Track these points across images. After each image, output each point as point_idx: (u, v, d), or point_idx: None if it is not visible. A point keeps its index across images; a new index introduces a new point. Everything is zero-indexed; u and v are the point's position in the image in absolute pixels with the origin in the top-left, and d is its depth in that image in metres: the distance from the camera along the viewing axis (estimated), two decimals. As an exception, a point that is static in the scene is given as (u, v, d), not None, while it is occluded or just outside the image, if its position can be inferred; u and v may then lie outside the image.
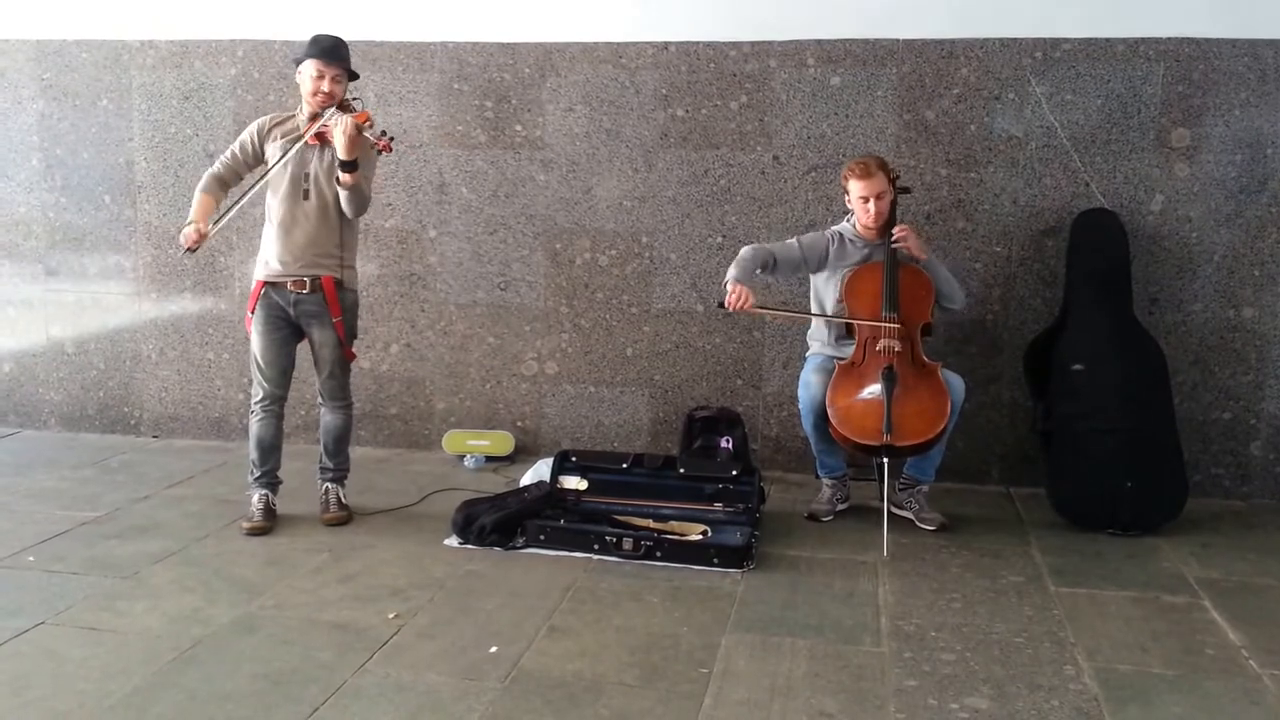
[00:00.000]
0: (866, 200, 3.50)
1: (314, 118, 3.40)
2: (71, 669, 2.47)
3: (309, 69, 3.38)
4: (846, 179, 3.56)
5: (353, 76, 3.47)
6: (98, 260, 4.72)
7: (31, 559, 3.19)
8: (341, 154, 3.28)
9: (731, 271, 3.51)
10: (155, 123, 4.59)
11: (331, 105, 3.37)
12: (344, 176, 3.32)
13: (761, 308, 3.68)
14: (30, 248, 4.77)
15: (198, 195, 3.47)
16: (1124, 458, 3.55)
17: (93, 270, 4.73)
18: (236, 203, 3.43)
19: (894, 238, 3.50)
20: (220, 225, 3.44)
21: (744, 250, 3.58)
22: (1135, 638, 2.73)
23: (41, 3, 4.62)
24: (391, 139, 3.37)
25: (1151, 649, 2.66)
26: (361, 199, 3.44)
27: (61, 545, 3.31)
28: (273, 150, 3.45)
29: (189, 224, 3.38)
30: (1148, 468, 3.54)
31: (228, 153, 3.52)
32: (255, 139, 3.48)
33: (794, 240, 3.64)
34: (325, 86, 3.37)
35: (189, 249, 3.38)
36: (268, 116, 3.55)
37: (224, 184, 3.51)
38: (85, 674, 2.44)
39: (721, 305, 3.47)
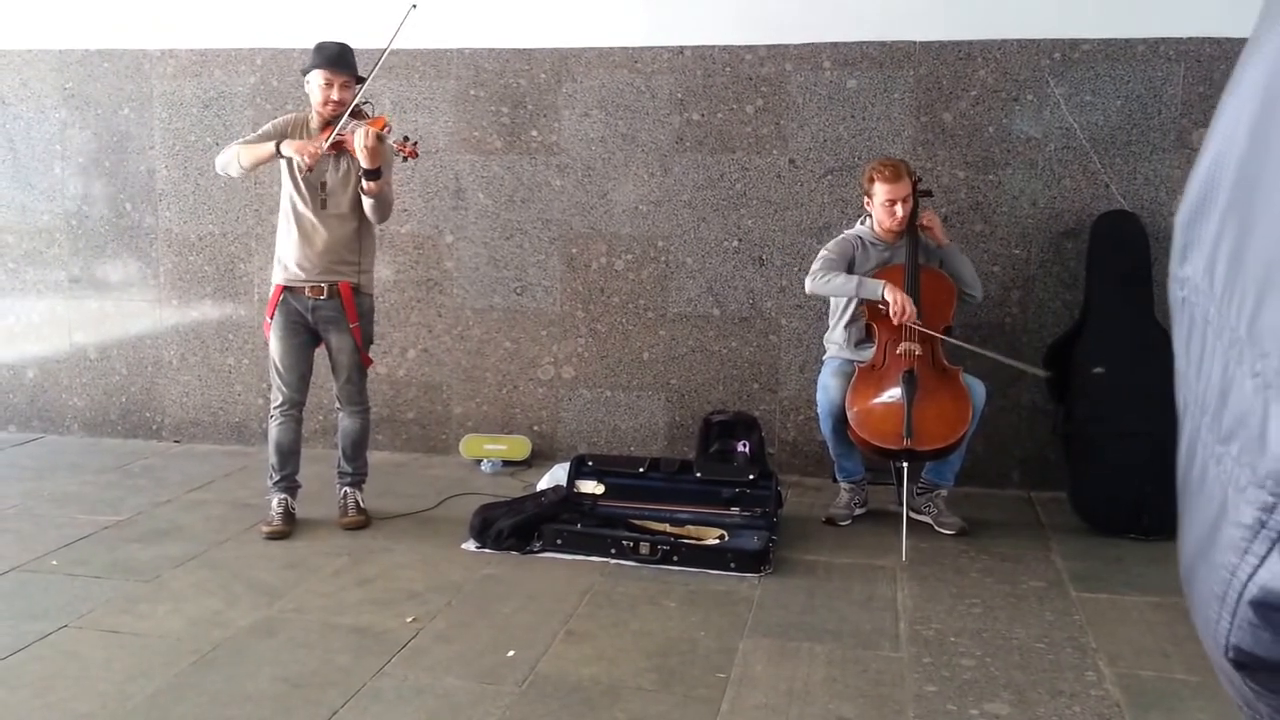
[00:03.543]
0: (893, 203, 3.48)
1: (326, 126, 3.41)
2: (94, 671, 2.49)
3: (317, 78, 3.39)
4: (872, 180, 3.53)
5: (360, 81, 3.47)
6: (120, 267, 4.77)
7: (55, 563, 3.23)
8: (364, 164, 3.28)
9: (866, 283, 3.41)
10: (176, 131, 4.63)
11: (343, 112, 3.38)
12: (368, 185, 3.33)
13: (919, 324, 3.40)
14: (53, 255, 4.82)
15: (244, 146, 3.37)
16: (1146, 461, 3.51)
17: (115, 277, 4.78)
18: (333, 133, 3.30)
19: (920, 221, 3.52)
20: (329, 144, 3.30)
21: (824, 276, 3.47)
22: (1157, 643, 2.69)
23: (63, 13, 4.68)
24: (415, 144, 3.38)
25: (1174, 654, 2.63)
26: (386, 204, 3.46)
27: (84, 549, 3.34)
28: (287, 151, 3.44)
29: (294, 143, 3.26)
30: (1170, 472, 3.45)
31: (255, 134, 3.46)
32: (281, 132, 3.44)
33: (827, 253, 3.57)
34: (335, 95, 3.38)
35: (309, 165, 3.29)
36: (289, 116, 3.55)
37: None
38: (107, 676, 2.46)
39: (886, 315, 3.38)
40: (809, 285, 3.54)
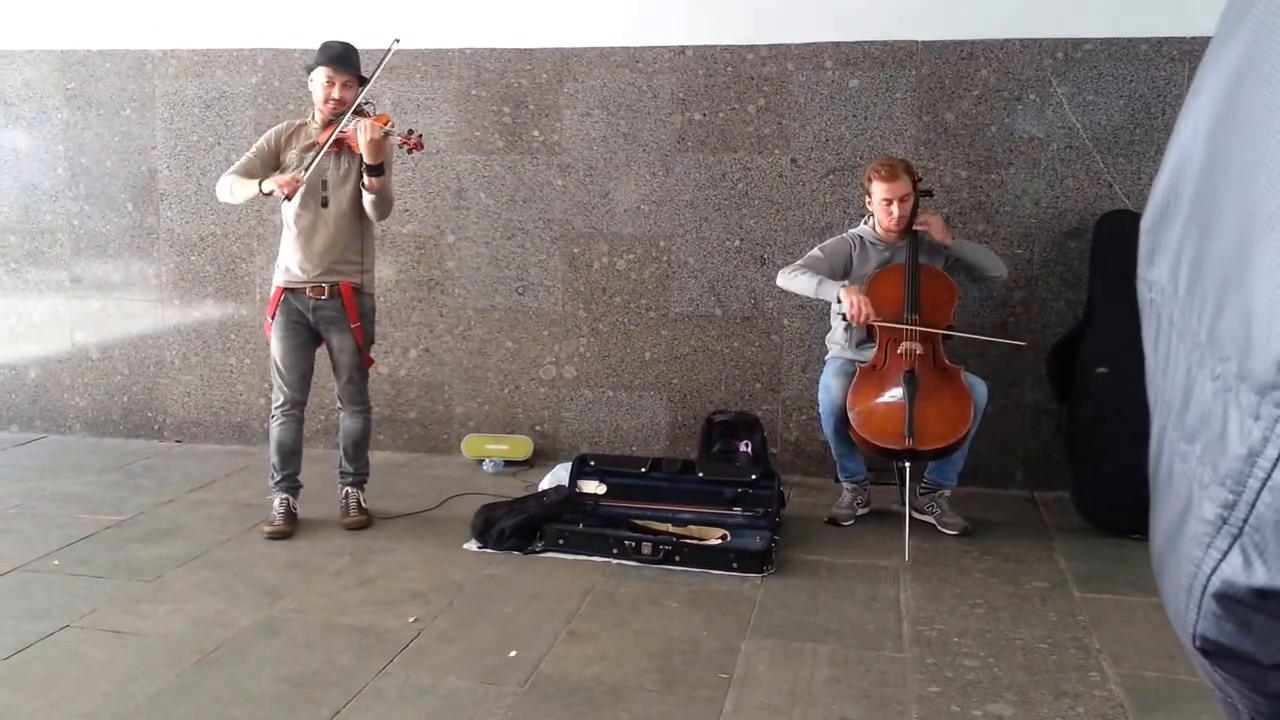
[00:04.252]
0: (890, 203, 3.49)
1: (328, 125, 3.41)
2: (96, 671, 2.49)
3: (320, 76, 3.41)
4: (870, 180, 3.54)
5: (364, 81, 3.48)
6: (121, 267, 4.77)
7: (57, 562, 3.22)
8: (368, 159, 3.29)
9: (826, 284, 3.44)
10: (178, 131, 4.63)
11: (344, 111, 3.39)
12: (370, 181, 3.34)
13: (881, 322, 3.45)
14: (55, 255, 4.82)
15: (236, 179, 3.39)
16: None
17: (116, 277, 4.78)
18: (318, 154, 3.34)
19: (919, 221, 3.52)
20: (308, 174, 3.34)
21: (792, 271, 3.52)
22: (1161, 644, 2.68)
23: (65, 14, 4.68)
24: (420, 136, 3.39)
25: (1178, 655, 2.62)
26: (387, 202, 3.47)
27: (86, 549, 3.34)
28: (290, 158, 3.46)
29: (275, 178, 3.29)
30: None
31: (244, 158, 3.49)
32: (273, 145, 3.48)
33: (816, 251, 3.61)
34: (336, 93, 3.39)
35: (289, 195, 3.30)
36: (283, 124, 3.57)
37: None
38: (109, 676, 2.46)
39: (844, 318, 3.43)
40: (779, 279, 3.60)
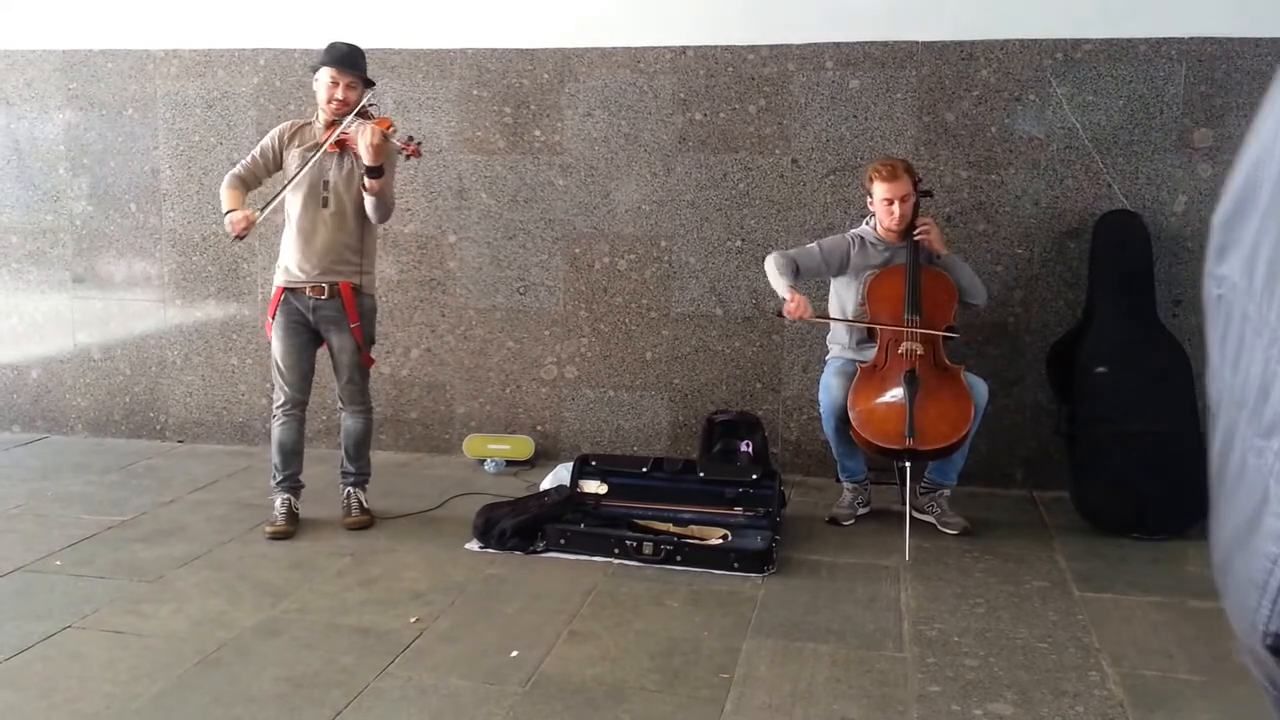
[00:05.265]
0: (890, 203, 3.49)
1: (330, 125, 3.43)
2: (98, 672, 2.50)
3: (324, 76, 3.42)
4: (871, 180, 3.54)
5: (369, 84, 3.49)
6: (124, 267, 4.78)
7: (59, 563, 3.23)
8: (367, 161, 3.31)
9: (780, 280, 3.48)
10: (179, 131, 4.64)
11: (347, 112, 3.40)
12: (370, 183, 3.36)
13: (820, 316, 3.70)
14: (57, 255, 4.83)
15: (226, 191, 3.47)
16: (1149, 461, 3.51)
17: (119, 277, 4.79)
18: (277, 195, 3.42)
19: (917, 229, 3.51)
20: (265, 214, 3.42)
21: (772, 258, 3.54)
22: (1161, 643, 2.69)
23: (67, 14, 4.69)
24: (419, 143, 3.40)
25: (1178, 655, 2.63)
26: (386, 204, 3.47)
27: (88, 549, 3.35)
28: (292, 158, 3.48)
29: (231, 212, 3.38)
30: (1173, 471, 3.49)
31: (248, 157, 3.55)
32: (276, 145, 3.52)
33: (814, 245, 3.63)
34: (339, 94, 3.40)
35: (238, 236, 3.38)
36: (287, 124, 3.59)
37: (245, 185, 3.53)
38: (111, 677, 2.47)
39: (780, 315, 3.49)
40: (766, 261, 3.60)
